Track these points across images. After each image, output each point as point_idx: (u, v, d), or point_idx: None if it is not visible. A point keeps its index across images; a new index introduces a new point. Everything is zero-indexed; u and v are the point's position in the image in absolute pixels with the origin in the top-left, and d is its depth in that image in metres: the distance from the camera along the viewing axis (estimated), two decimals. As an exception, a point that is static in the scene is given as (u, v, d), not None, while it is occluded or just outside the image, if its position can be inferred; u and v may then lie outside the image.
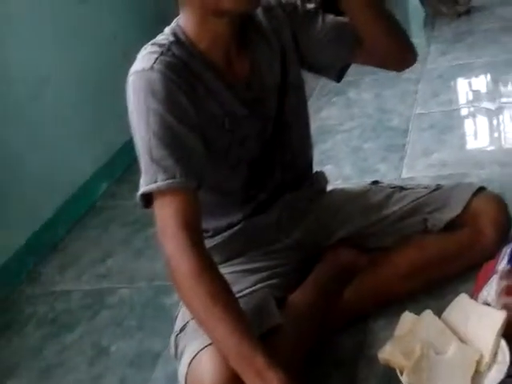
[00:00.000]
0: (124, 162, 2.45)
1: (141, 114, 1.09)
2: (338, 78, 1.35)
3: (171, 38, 1.16)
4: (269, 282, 1.26)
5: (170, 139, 1.07)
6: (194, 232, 1.05)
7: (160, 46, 1.14)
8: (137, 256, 1.92)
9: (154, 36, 1.19)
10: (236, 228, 1.31)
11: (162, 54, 1.12)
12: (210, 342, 1.04)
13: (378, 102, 2.49)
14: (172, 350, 1.21)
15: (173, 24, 1.20)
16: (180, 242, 1.03)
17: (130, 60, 1.16)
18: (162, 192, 1.06)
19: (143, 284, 1.78)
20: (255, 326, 1.06)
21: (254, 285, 1.24)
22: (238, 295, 1.16)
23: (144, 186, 1.07)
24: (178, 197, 1.05)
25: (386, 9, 1.26)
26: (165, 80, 1.09)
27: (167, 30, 1.20)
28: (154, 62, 1.10)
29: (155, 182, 1.05)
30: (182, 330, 1.18)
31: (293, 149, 1.33)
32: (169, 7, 3.22)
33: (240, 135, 1.23)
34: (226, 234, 1.31)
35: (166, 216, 1.05)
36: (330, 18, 1.29)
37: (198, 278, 1.01)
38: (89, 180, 2.36)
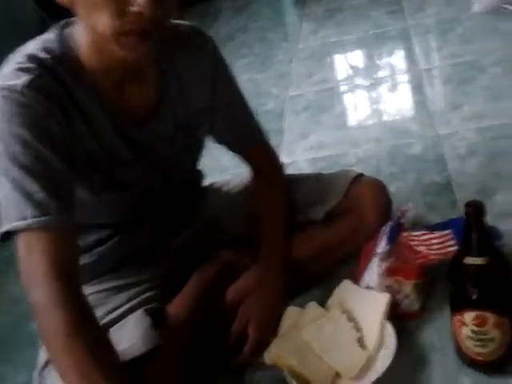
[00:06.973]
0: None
1: (4, 142, 0.93)
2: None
3: (57, 51, 0.99)
4: (143, 297, 1.18)
5: (42, 171, 0.93)
6: (67, 278, 0.91)
7: (38, 61, 0.97)
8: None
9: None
10: (107, 245, 1.22)
11: (38, 75, 0.95)
12: None
13: (252, 86, 2.42)
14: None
15: (65, 28, 1.02)
16: (52, 292, 0.89)
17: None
18: (30, 230, 0.91)
19: (4, 309, 1.60)
20: (133, 351, 0.99)
21: (127, 302, 1.15)
22: (109, 317, 1.10)
23: (10, 222, 0.92)
24: (49, 236, 0.92)
25: None
26: (35, 105, 0.94)
27: (54, 34, 1.02)
28: (26, 85, 0.94)
29: (24, 218, 0.91)
30: (45, 366, 1.05)
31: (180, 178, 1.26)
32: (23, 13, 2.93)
33: (117, 181, 1.11)
34: (95, 251, 1.21)
35: (34, 259, 0.91)
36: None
37: (73, 334, 0.88)
38: None
